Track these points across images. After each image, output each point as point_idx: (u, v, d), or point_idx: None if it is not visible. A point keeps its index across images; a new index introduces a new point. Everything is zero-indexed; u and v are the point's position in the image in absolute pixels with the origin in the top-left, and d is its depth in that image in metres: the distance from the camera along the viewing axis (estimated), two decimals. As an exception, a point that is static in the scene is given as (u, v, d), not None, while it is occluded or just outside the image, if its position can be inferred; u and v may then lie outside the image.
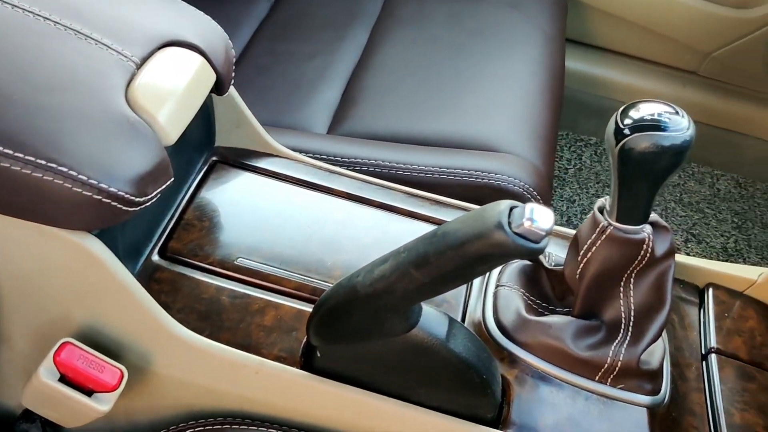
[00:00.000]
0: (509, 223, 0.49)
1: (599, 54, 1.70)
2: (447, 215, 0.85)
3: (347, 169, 0.89)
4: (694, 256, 1.58)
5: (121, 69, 0.64)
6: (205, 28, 0.73)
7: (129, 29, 0.68)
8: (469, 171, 0.95)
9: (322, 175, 0.85)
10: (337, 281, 0.61)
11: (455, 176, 0.95)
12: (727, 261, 1.56)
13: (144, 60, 0.66)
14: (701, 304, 0.87)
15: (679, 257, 0.92)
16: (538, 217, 0.49)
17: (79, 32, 0.64)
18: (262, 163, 0.85)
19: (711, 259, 1.57)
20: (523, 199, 0.95)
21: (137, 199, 0.60)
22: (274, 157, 0.86)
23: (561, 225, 1.58)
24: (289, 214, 0.79)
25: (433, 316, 0.61)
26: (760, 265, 1.54)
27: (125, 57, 0.65)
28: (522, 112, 1.07)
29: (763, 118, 1.70)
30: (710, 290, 0.88)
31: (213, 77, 0.71)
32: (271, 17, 1.35)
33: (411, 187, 0.87)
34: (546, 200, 0.97)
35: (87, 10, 0.68)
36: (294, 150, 0.90)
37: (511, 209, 0.50)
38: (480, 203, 0.89)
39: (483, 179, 0.94)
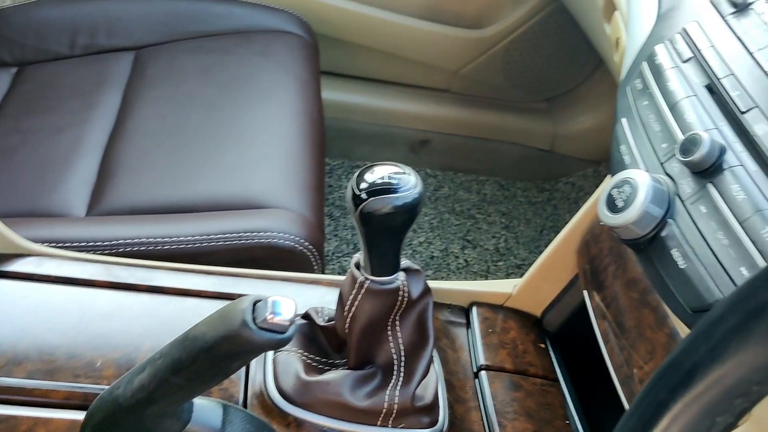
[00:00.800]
0: (254, 319, 0.51)
1: (360, 83, 1.78)
2: (219, 285, 0.85)
3: (110, 253, 0.87)
4: (471, 261, 1.70)
5: None
6: None
7: None
8: (238, 234, 0.96)
9: (81, 267, 0.82)
10: (109, 384, 0.60)
11: (225, 241, 0.95)
12: (500, 261, 1.70)
13: None
14: (468, 323, 0.95)
15: (444, 283, 0.99)
16: (281, 309, 0.51)
17: None
18: (13, 266, 0.80)
19: (486, 260, 1.70)
20: (296, 252, 0.97)
21: None
22: (25, 257, 0.82)
23: (348, 253, 1.65)
24: (49, 318, 0.76)
25: (205, 409, 0.61)
26: (529, 260, 1.70)
27: None
28: (284, 164, 1.10)
29: (511, 124, 1.87)
30: (474, 309, 0.95)
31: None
32: (14, 91, 1.27)
33: (181, 260, 0.86)
34: (318, 248, 1.00)
35: None
36: (50, 241, 0.86)
37: (255, 304, 0.52)
38: (254, 264, 0.91)
39: (253, 239, 0.96)
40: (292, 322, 0.51)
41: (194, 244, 0.94)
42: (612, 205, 0.67)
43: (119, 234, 0.95)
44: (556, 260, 0.96)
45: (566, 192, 1.90)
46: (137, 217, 0.99)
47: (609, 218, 0.67)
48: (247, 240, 0.96)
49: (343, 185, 1.79)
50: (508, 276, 1.67)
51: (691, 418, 0.36)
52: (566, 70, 1.82)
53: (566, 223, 0.97)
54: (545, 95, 1.89)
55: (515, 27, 1.70)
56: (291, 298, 0.52)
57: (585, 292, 0.89)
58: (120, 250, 0.92)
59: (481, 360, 0.89)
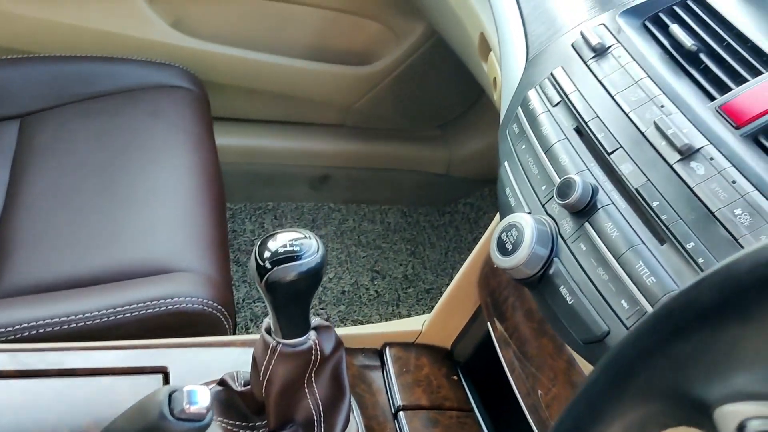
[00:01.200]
0: (171, 411, 0.52)
1: (255, 126, 1.79)
2: (132, 359, 0.85)
3: (15, 339, 0.85)
4: (381, 291, 1.73)
5: None
6: None
7: None
8: (144, 303, 0.95)
9: (-15, 359, 0.81)
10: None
11: (132, 312, 0.95)
12: (410, 288, 1.74)
13: None
14: (383, 365, 0.98)
15: (356, 328, 1.02)
16: (197, 398, 0.52)
17: None
18: None
19: (396, 288, 1.74)
20: (205, 314, 0.98)
21: None
22: None
23: (259, 299, 1.65)
24: (-43, 418, 0.74)
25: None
26: (437, 284, 1.75)
27: None
28: (184, 224, 1.10)
29: (407, 152, 1.92)
30: (387, 350, 0.99)
31: None
32: None
33: (91, 337, 0.85)
34: (227, 307, 1.00)
35: None
36: (-52, 335, 0.83)
37: (170, 395, 0.53)
38: (165, 332, 0.91)
39: (161, 307, 0.96)
40: (208, 409, 0.53)
41: (102, 318, 0.93)
42: (503, 249, 0.72)
43: (23, 317, 0.92)
44: (460, 294, 1.00)
45: (466, 213, 1.97)
46: (40, 296, 0.98)
47: (501, 261, 0.72)
48: (154, 308, 0.95)
49: (247, 228, 1.79)
50: (418, 302, 1.72)
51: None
52: (454, 97, 1.90)
53: (469, 243, 1.02)
54: (437, 122, 1.96)
55: (401, 61, 1.76)
56: (205, 387, 0.54)
57: (489, 324, 0.94)
58: (26, 335, 0.90)
59: (398, 401, 0.92)
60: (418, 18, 1.70)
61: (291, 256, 0.68)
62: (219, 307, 0.99)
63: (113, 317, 0.94)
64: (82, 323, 0.93)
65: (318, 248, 0.70)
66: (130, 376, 0.83)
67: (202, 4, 1.56)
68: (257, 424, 0.80)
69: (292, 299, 0.70)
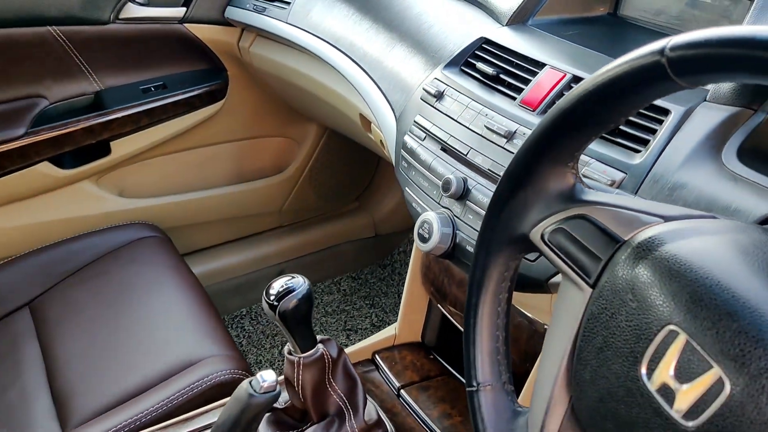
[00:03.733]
0: (255, 390, 0.82)
1: (213, 251, 2.09)
2: (200, 421, 1.13)
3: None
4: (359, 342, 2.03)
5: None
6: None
7: None
8: (190, 386, 1.23)
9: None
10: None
11: (184, 396, 1.21)
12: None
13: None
14: (377, 367, 1.28)
15: (349, 348, 1.32)
16: (266, 377, 0.83)
17: None
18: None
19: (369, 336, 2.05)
20: (236, 380, 1.27)
21: None
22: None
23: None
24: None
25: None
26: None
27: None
28: (195, 329, 1.39)
29: (339, 229, 2.26)
30: (377, 356, 1.29)
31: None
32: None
33: (159, 422, 1.12)
34: (247, 371, 1.29)
35: None
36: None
37: (250, 383, 0.83)
38: (212, 401, 1.19)
39: (203, 386, 1.23)
40: (278, 382, 0.83)
41: (165, 407, 1.20)
42: (422, 239, 1.05)
43: (104, 427, 1.18)
44: (412, 296, 1.33)
45: (402, 259, 2.32)
46: (108, 413, 1.24)
47: (424, 247, 1.05)
48: (199, 387, 1.23)
49: (232, 335, 2.07)
50: (391, 340, 2.02)
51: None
52: (359, 172, 2.27)
53: (413, 281, 1.33)
54: (353, 196, 2.32)
55: (307, 160, 2.12)
56: (270, 370, 0.84)
57: (439, 306, 1.27)
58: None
59: (397, 384, 1.23)
60: (310, 121, 2.07)
61: (288, 291, 1.00)
62: (242, 372, 1.28)
63: (172, 403, 1.21)
64: (151, 415, 1.19)
65: (304, 281, 1.01)
66: None
67: (135, 174, 1.88)
68: (304, 428, 1.09)
69: (299, 320, 1.01)
